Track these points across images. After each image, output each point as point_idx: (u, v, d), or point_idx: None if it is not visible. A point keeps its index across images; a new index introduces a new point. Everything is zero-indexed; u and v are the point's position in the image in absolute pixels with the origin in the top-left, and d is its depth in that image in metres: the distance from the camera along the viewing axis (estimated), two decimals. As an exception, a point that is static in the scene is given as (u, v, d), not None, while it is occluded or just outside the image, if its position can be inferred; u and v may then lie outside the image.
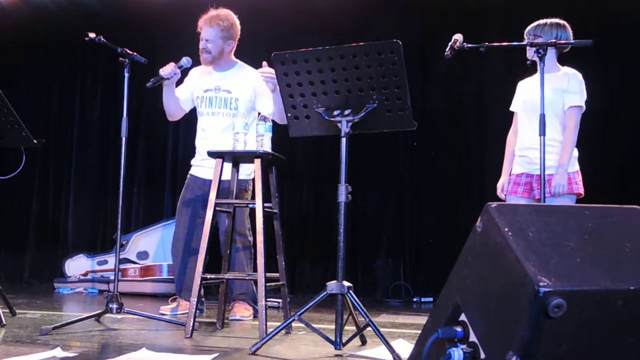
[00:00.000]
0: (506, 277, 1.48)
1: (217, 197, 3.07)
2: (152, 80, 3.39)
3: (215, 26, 3.68)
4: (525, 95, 3.35)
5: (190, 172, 3.91)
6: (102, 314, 3.16)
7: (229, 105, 3.73)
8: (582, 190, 3.22)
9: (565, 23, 3.28)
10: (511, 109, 3.49)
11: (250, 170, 3.67)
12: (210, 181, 3.38)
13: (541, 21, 3.28)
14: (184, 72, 3.72)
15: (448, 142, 5.65)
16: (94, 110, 6.55)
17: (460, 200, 5.53)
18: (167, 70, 3.47)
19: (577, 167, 3.25)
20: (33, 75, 6.60)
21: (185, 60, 3.51)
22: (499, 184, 3.48)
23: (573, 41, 3.20)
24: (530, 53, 3.25)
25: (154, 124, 6.20)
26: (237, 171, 3.28)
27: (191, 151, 4.00)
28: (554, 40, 3.12)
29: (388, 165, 5.80)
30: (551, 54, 3.27)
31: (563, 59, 3.38)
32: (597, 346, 1.50)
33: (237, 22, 3.78)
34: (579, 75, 3.29)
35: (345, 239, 2.60)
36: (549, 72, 3.26)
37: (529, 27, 3.31)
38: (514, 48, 3.13)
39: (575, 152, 3.24)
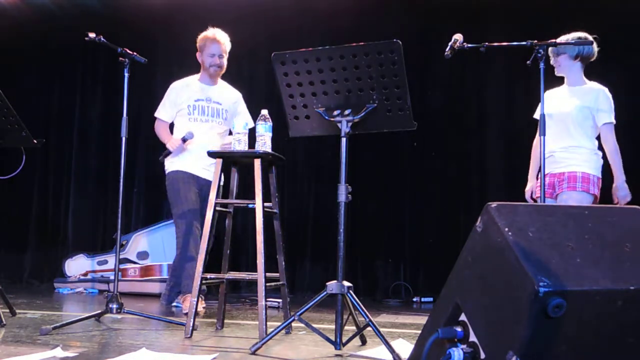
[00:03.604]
0: (506, 277, 1.48)
1: (218, 197, 3.07)
2: (162, 154, 3.82)
3: (228, 44, 4.01)
4: (551, 109, 3.35)
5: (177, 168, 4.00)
6: (102, 314, 3.16)
7: (221, 115, 4.06)
8: (598, 194, 3.37)
9: (587, 35, 3.32)
10: (535, 116, 3.50)
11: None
12: (198, 177, 3.97)
13: (563, 37, 3.32)
14: (164, 90, 4.09)
15: (448, 142, 5.64)
16: (94, 110, 6.55)
17: (460, 200, 5.53)
18: (174, 146, 3.86)
19: (600, 174, 3.41)
20: (33, 75, 6.60)
21: (189, 134, 3.85)
22: (527, 189, 3.60)
23: (573, 41, 3.23)
24: (557, 70, 3.41)
25: (153, 124, 6.19)
26: (237, 172, 3.28)
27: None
28: (554, 40, 3.14)
29: (388, 165, 5.80)
30: (576, 67, 3.41)
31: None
32: (597, 346, 1.50)
33: None
34: (606, 91, 3.39)
35: (345, 239, 2.60)
36: (575, 86, 3.42)
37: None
38: (514, 48, 3.13)
39: (600, 161, 3.40)
